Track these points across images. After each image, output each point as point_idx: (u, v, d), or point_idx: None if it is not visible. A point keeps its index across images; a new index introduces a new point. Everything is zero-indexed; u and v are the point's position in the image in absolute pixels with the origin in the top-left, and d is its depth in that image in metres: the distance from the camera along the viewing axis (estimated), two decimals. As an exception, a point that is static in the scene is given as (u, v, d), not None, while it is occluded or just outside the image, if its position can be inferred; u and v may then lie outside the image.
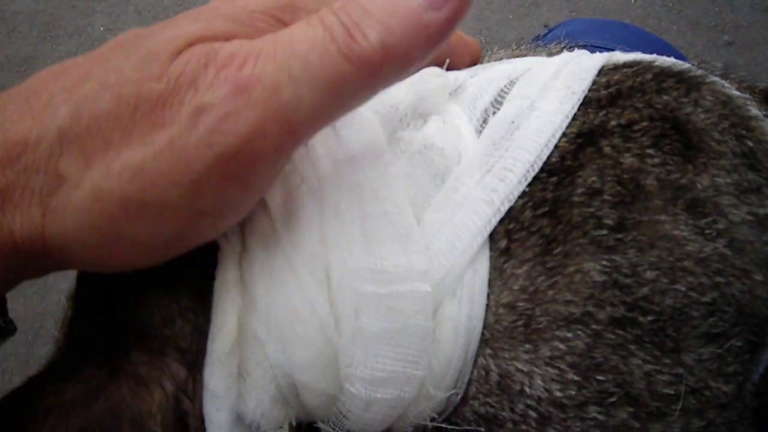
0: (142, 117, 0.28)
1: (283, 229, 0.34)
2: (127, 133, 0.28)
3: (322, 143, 0.35)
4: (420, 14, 0.27)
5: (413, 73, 0.30)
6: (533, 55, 0.45)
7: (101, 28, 2.32)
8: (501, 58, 0.44)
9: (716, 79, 0.40)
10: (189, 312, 0.34)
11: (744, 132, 0.36)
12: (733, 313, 0.34)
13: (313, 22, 0.28)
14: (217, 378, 0.33)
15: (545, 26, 2.19)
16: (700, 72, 0.39)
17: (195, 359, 0.34)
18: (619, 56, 0.40)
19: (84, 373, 0.33)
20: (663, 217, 0.33)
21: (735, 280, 0.34)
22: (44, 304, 1.68)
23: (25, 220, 0.29)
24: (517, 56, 0.44)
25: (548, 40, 0.83)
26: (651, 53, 0.76)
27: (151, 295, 0.35)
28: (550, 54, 0.45)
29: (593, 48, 0.73)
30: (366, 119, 0.35)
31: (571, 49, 0.46)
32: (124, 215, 0.28)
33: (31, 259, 0.30)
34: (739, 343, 0.34)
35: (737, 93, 0.39)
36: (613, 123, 0.35)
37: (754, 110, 0.38)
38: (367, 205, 0.33)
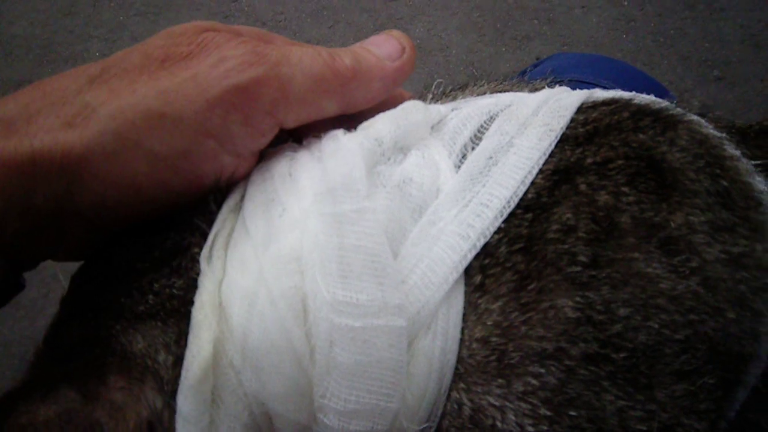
0: (170, 65, 0.35)
1: (264, 258, 0.34)
2: (154, 74, 0.35)
3: (307, 174, 0.36)
4: (381, 60, 0.40)
5: (373, 102, 0.41)
6: (517, 90, 0.45)
7: (97, 54, 2.35)
8: (485, 92, 0.45)
9: (694, 117, 0.40)
10: (173, 342, 0.35)
11: (719, 171, 0.37)
12: (706, 351, 0.34)
13: (307, 47, 0.39)
14: (190, 404, 0.33)
15: (537, 59, 2.21)
16: (677, 110, 0.40)
17: (173, 389, 0.34)
18: (599, 94, 0.41)
19: (59, 393, 0.33)
20: (636, 255, 0.33)
21: (708, 318, 0.34)
22: (33, 327, 1.68)
23: (46, 136, 0.33)
24: (501, 90, 0.45)
25: (536, 73, 0.84)
26: (636, 88, 0.77)
27: (138, 323, 0.35)
28: (534, 89, 0.45)
29: (578, 83, 0.74)
30: (349, 151, 0.36)
31: (555, 84, 0.47)
32: (144, 124, 0.33)
33: (44, 175, 0.33)
34: (711, 381, 0.34)
35: (714, 132, 0.39)
36: (589, 160, 0.36)
37: (730, 150, 0.38)
38: (345, 238, 0.33)
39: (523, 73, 0.88)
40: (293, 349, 0.33)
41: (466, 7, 2.38)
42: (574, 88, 0.67)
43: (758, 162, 0.40)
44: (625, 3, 2.39)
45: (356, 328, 0.32)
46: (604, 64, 0.82)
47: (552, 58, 0.88)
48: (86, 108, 0.33)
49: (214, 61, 0.35)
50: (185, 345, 0.34)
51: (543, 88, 0.46)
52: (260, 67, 0.35)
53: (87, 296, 0.38)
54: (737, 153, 0.39)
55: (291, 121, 0.38)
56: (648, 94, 0.82)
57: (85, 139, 0.33)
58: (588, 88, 0.72)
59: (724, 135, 0.40)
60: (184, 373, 0.33)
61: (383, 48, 0.41)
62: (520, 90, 0.46)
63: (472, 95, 0.45)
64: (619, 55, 2.24)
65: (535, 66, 0.86)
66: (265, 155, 0.40)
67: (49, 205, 0.34)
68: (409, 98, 0.46)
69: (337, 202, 0.34)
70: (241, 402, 0.34)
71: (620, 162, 0.36)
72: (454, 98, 0.45)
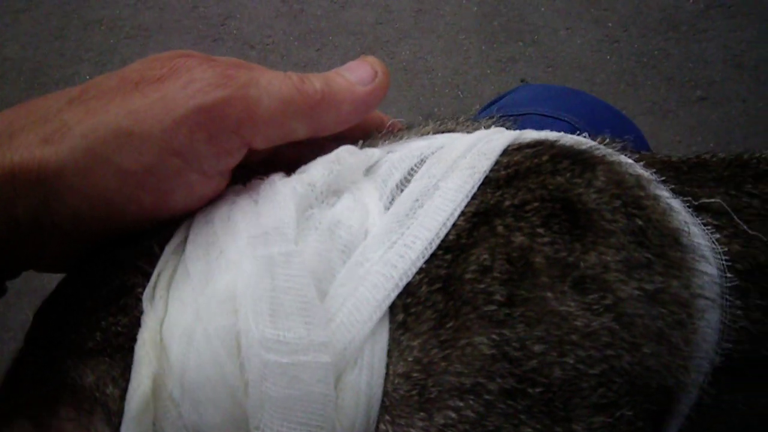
0: (143, 87, 0.38)
1: (201, 298, 0.36)
2: (127, 95, 0.37)
3: (243, 217, 0.38)
4: (352, 84, 0.42)
5: (344, 125, 0.42)
6: (461, 129, 0.47)
7: (87, 76, 2.36)
8: (429, 132, 0.47)
9: (616, 158, 0.42)
10: (119, 376, 0.37)
11: (635, 211, 0.38)
12: (623, 384, 0.36)
13: (278, 72, 0.40)
14: None
15: (522, 81, 2.25)
16: (598, 152, 0.41)
17: (120, 420, 0.36)
18: (527, 135, 0.43)
19: (14, 424, 0.35)
20: (550, 294, 0.35)
21: (625, 353, 0.35)
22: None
23: (25, 151, 0.35)
24: (445, 130, 0.47)
25: (499, 106, 0.86)
26: (597, 120, 0.79)
27: (88, 358, 0.37)
28: (478, 128, 0.47)
29: (538, 116, 0.76)
30: (282, 196, 0.38)
31: (506, 121, 0.49)
32: (114, 141, 0.36)
33: (23, 188, 0.36)
34: (630, 413, 0.36)
35: (635, 172, 0.41)
36: (507, 203, 0.38)
37: (649, 189, 0.40)
38: (276, 280, 0.35)
39: (490, 104, 0.90)
40: (227, 384, 0.34)
41: (452, 30, 2.42)
42: (532, 122, 0.69)
43: (687, 198, 0.42)
44: (610, 24, 2.42)
45: (285, 364, 0.34)
46: (567, 97, 0.85)
47: (517, 91, 0.91)
48: (63, 126, 0.36)
49: (184, 82, 0.37)
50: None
51: (489, 127, 0.48)
52: (227, 89, 0.37)
53: (43, 333, 0.40)
54: (655, 192, 0.40)
55: (260, 142, 0.40)
56: (610, 125, 0.83)
57: (60, 154, 0.35)
58: (546, 122, 0.74)
59: (646, 174, 0.42)
60: (126, 405, 0.35)
61: (355, 73, 0.43)
62: (465, 129, 0.47)
63: (417, 135, 0.47)
64: (603, 76, 2.27)
65: (500, 98, 0.88)
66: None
67: (29, 216, 0.36)
68: (388, 121, 0.49)
69: (269, 245, 0.36)
70: None
71: (536, 204, 0.37)
72: (401, 138, 0.47)
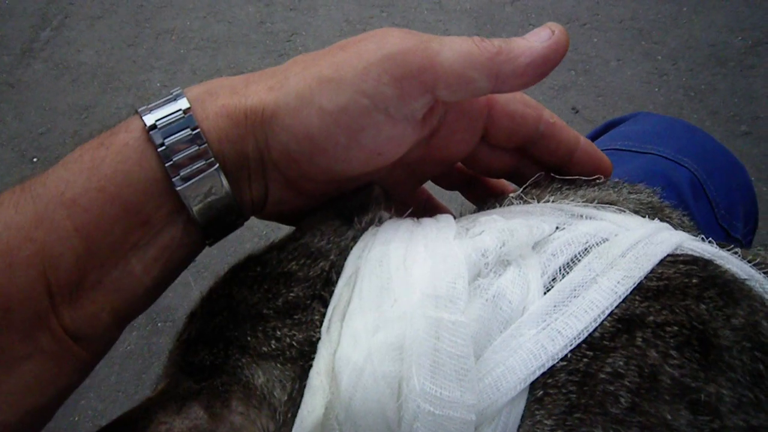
0: (346, 47, 0.45)
1: (374, 341, 0.41)
2: (334, 54, 0.45)
3: (419, 270, 0.43)
4: (529, 41, 0.45)
5: (524, 80, 0.45)
6: (623, 204, 0.51)
7: (158, 84, 2.44)
8: (594, 199, 0.51)
9: (762, 291, 0.44)
10: (288, 382, 0.42)
11: (759, 355, 0.41)
12: None
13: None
14: None
15: (572, 109, 2.28)
16: (746, 285, 0.44)
17: (284, 419, 0.42)
18: (686, 246, 0.46)
19: (191, 410, 0.41)
20: (667, 409, 0.39)
21: None
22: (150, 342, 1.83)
23: (255, 96, 0.45)
24: (607, 202, 0.51)
25: (621, 134, 0.90)
26: (711, 166, 0.83)
27: (261, 361, 0.43)
28: (634, 191, 0.53)
29: (660, 158, 0.81)
30: (456, 261, 0.43)
31: (655, 194, 0.54)
32: (317, 86, 0.44)
33: (252, 126, 0.45)
34: None
35: None
36: (650, 318, 0.41)
37: None
38: (440, 342, 0.40)
39: (606, 127, 0.94)
40: (385, 418, 0.40)
41: (507, 58, 2.44)
42: (654, 162, 0.73)
43: None
44: (659, 57, 2.46)
45: (436, 415, 0.39)
46: (686, 137, 0.86)
47: (636, 119, 0.93)
48: (284, 78, 0.45)
49: (377, 40, 0.45)
50: (298, 387, 0.42)
51: (641, 192, 0.53)
52: (410, 42, 0.44)
53: (217, 327, 0.45)
54: None
55: (442, 90, 0.45)
56: (723, 169, 0.87)
57: (278, 99, 0.44)
58: (669, 165, 0.80)
59: None
60: (299, 422, 0.41)
61: (534, 35, 0.46)
62: (626, 203, 0.51)
63: (581, 198, 0.51)
64: (651, 107, 2.30)
65: (617, 122, 0.92)
66: (382, 227, 0.48)
67: (255, 153, 0.46)
68: (507, 187, 0.56)
69: (439, 308, 0.41)
70: None
71: (675, 328, 0.41)
72: (567, 196, 0.51)
